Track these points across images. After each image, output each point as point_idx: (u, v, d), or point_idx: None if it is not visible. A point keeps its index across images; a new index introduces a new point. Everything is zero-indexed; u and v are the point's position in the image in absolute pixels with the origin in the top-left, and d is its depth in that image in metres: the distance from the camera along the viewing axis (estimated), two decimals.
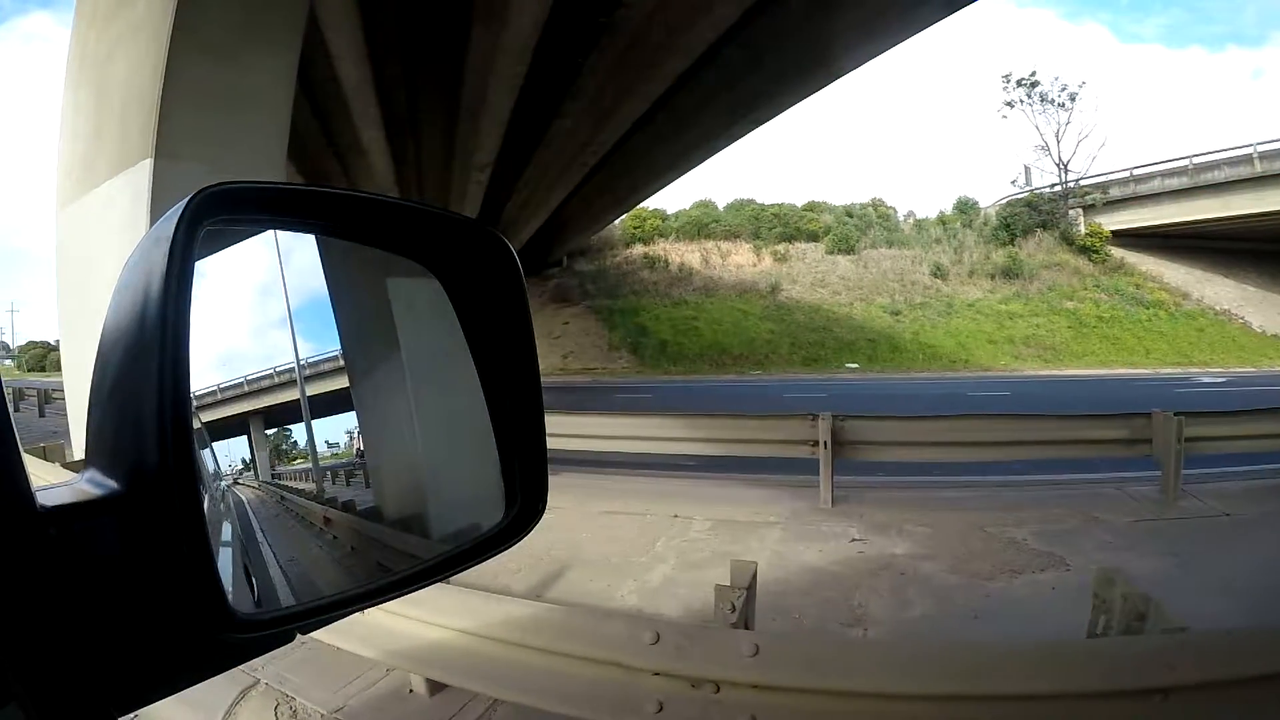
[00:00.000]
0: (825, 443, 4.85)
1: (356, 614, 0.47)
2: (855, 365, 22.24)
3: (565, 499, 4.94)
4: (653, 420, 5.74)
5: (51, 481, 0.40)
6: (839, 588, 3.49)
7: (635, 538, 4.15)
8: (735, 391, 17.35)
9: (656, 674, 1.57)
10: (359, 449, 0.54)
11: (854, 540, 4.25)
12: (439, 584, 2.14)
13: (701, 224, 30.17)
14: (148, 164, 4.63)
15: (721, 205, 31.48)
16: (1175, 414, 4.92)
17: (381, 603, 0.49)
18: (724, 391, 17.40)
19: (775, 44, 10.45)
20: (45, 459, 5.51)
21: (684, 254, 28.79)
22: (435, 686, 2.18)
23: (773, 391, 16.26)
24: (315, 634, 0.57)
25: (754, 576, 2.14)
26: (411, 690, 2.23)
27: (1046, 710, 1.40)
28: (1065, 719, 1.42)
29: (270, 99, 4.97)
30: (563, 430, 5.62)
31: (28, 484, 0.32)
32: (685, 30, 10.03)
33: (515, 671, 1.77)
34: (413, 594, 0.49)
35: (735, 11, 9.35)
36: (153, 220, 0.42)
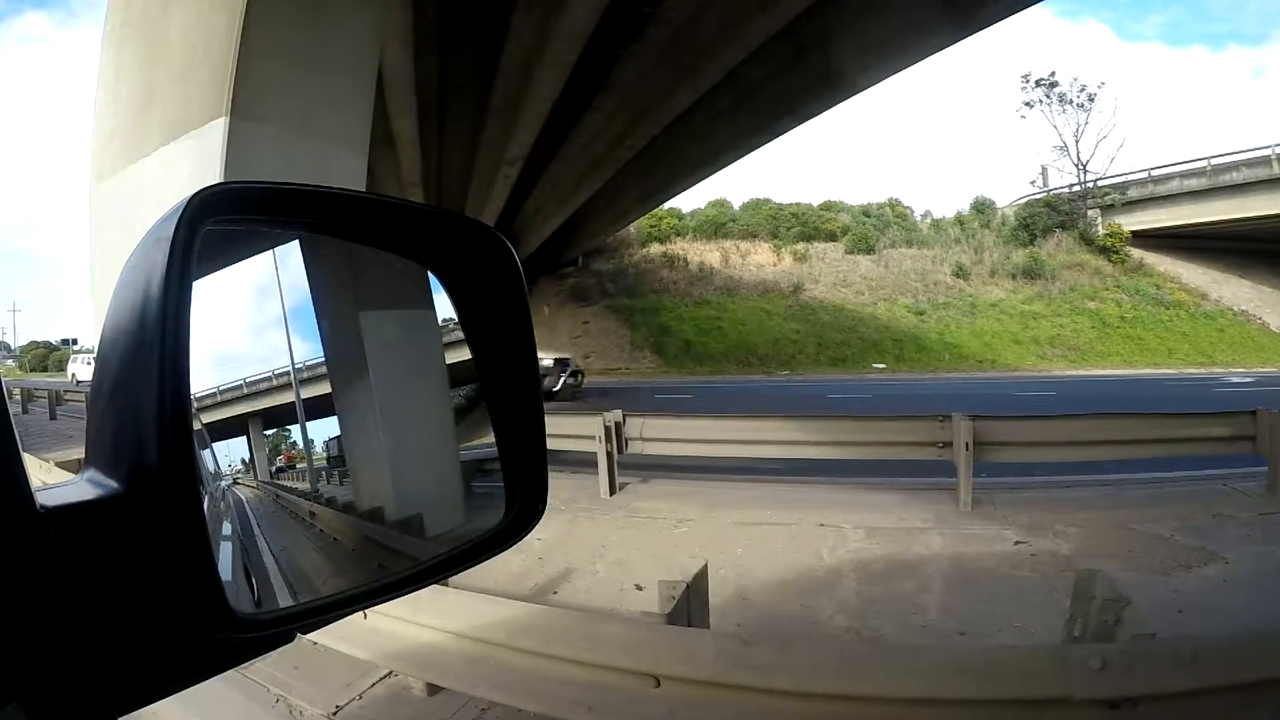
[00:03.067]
0: (966, 444, 4.65)
1: (357, 615, 0.48)
2: (882, 365, 21.99)
3: (689, 509, 4.67)
4: (771, 423, 5.45)
5: (51, 482, 0.39)
6: (1042, 591, 3.27)
7: (795, 550, 3.82)
8: (774, 391, 17.06)
9: (1095, 702, 1.43)
10: (339, 448, 0.54)
11: (1018, 543, 4.05)
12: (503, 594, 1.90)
13: (718, 223, 29.93)
14: (220, 124, 4.18)
15: (737, 204, 31.28)
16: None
17: (381, 602, 0.49)
18: (763, 391, 17.09)
19: (821, 40, 10.16)
20: (75, 472, 5.03)
21: (703, 253, 28.53)
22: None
23: (812, 392, 15.92)
24: (314, 635, 0.57)
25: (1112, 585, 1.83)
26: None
27: None
28: None
29: (357, 56, 4.55)
30: (666, 434, 5.33)
31: (28, 485, 0.32)
32: (742, 23, 9.69)
33: None
34: (413, 595, 0.49)
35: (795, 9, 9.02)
36: None
